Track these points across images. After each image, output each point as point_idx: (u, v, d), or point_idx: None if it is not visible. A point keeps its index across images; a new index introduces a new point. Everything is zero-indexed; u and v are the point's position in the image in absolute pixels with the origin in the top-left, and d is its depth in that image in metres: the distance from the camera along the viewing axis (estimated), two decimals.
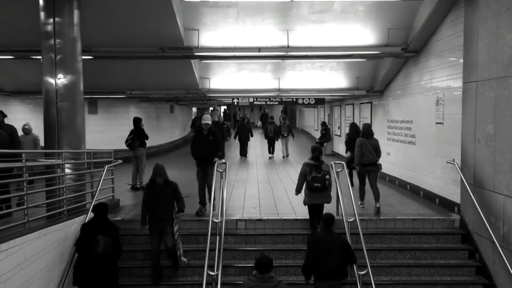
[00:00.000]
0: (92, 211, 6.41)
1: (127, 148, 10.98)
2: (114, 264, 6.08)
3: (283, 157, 17.95)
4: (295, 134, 19.16)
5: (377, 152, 8.48)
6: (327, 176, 7.14)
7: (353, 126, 10.75)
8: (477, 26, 6.88)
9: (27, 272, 5.42)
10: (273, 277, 5.05)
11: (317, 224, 7.19)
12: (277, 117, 22.22)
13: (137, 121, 11.06)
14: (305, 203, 7.40)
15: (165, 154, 20.53)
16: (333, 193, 7.37)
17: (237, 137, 18.18)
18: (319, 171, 7.13)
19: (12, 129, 7.47)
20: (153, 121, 21.04)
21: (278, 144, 18.57)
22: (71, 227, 6.65)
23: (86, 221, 6.64)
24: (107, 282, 5.95)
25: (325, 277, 5.53)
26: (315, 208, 7.32)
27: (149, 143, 11.58)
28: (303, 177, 7.28)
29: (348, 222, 6.91)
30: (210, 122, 8.16)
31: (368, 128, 8.85)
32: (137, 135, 10.85)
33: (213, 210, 7.03)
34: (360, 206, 8.51)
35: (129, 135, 10.92)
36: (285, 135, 17.72)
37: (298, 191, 7.47)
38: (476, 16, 6.90)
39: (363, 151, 8.33)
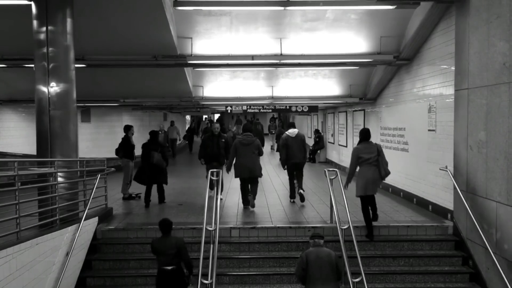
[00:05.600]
0: (149, 134, 9.95)
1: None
2: (164, 169, 9.67)
3: (275, 150, 22.35)
4: None
5: None
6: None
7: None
8: (468, 34, 6.95)
9: (19, 282, 5.36)
10: (251, 136, 8.97)
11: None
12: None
13: (124, 129, 10.71)
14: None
15: None
16: (326, 201, 7.37)
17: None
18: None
19: None
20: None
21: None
22: (64, 236, 6.59)
23: (145, 142, 9.84)
24: (159, 180, 9.72)
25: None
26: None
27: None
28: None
29: (342, 229, 6.89)
30: None
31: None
32: (122, 144, 10.50)
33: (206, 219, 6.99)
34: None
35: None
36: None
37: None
38: (467, 24, 6.97)
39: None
